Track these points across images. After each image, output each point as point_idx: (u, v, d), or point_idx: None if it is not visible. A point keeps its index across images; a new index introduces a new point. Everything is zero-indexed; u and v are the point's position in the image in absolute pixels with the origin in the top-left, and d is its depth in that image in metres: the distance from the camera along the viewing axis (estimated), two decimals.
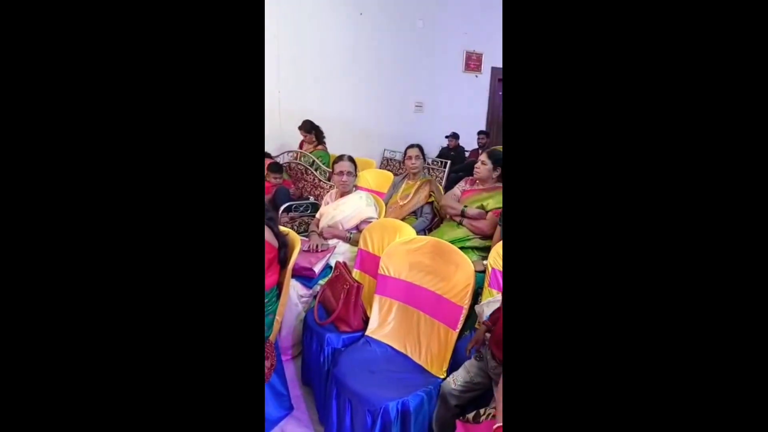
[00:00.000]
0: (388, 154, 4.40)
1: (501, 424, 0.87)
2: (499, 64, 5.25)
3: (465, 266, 1.46)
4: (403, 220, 2.34)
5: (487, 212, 2.21)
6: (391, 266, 1.64)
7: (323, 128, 3.60)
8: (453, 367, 1.40)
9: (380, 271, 1.65)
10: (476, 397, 1.27)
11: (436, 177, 3.62)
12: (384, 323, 1.59)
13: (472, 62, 5.03)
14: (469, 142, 4.81)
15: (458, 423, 1.07)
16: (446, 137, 4.68)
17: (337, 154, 2.37)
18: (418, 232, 2.05)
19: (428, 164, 3.69)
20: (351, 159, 2.13)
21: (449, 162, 3.76)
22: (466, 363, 1.37)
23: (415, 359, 1.46)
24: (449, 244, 1.59)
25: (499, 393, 0.96)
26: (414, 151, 2.44)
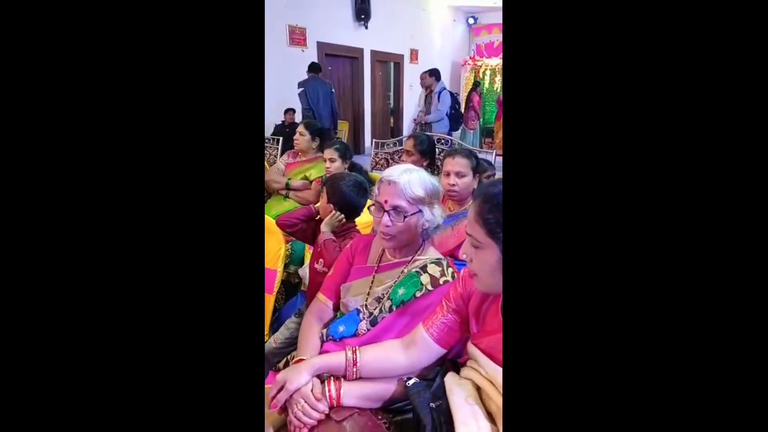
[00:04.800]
0: None
1: (300, 357, 0.97)
2: (325, 39, 5.33)
3: (275, 231, 1.52)
4: None
5: (311, 182, 2.32)
6: None
7: None
8: (277, 329, 1.47)
9: None
10: None
11: (270, 155, 3.55)
12: None
13: (296, 36, 5.00)
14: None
15: (271, 373, 1.15)
16: (285, 112, 4.58)
17: None
18: None
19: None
20: None
21: (281, 138, 3.69)
22: (287, 321, 1.46)
23: None
24: None
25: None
26: None
